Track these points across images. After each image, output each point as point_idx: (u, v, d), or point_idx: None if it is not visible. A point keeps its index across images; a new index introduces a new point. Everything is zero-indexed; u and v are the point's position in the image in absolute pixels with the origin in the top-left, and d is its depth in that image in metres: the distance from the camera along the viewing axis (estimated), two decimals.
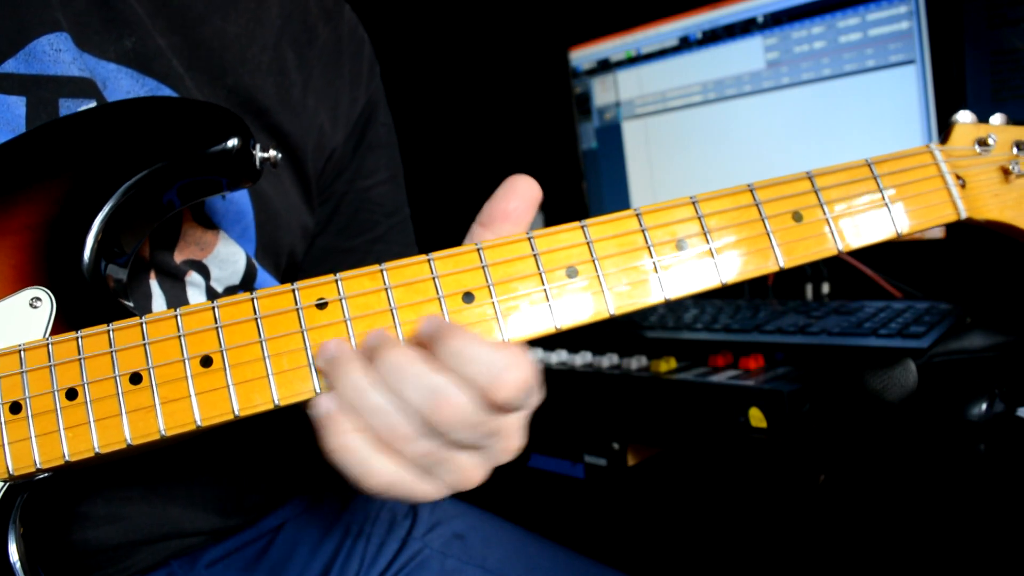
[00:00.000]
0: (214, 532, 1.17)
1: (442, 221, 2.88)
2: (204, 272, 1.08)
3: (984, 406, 1.14)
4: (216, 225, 1.09)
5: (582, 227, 0.78)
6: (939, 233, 1.62)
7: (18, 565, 0.73)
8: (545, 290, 0.76)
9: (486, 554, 1.22)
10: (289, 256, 1.21)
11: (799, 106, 1.85)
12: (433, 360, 0.70)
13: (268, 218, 1.14)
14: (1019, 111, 1.52)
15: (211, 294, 1.09)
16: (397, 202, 1.38)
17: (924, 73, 1.68)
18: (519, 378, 0.68)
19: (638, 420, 1.52)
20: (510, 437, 0.73)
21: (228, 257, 1.10)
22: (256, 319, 0.73)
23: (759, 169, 1.93)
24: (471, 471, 0.73)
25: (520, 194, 0.80)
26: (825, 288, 1.85)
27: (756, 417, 1.32)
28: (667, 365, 1.54)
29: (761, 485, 1.69)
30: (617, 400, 1.55)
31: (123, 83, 1.00)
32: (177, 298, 1.05)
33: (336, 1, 1.29)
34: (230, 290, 1.12)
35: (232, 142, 0.85)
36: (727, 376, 1.43)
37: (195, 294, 1.07)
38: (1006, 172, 0.89)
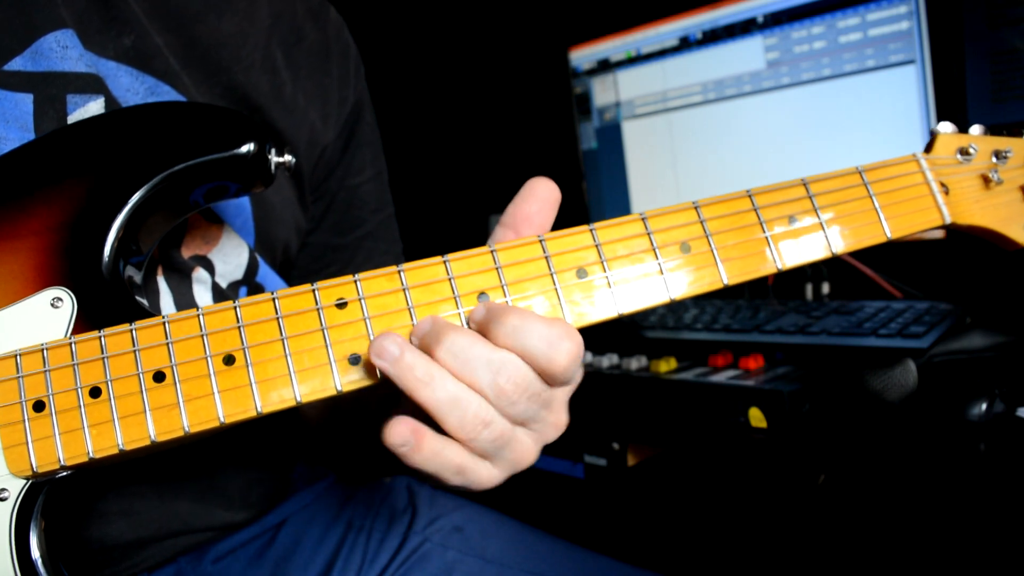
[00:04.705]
0: (221, 528, 1.18)
1: (444, 220, 2.89)
2: (209, 268, 1.09)
3: (984, 406, 1.15)
4: (219, 219, 1.10)
5: (591, 230, 0.80)
6: (939, 233, 1.63)
7: (40, 561, 0.74)
8: (557, 290, 0.79)
9: (485, 545, 1.23)
10: (284, 251, 1.22)
11: (799, 106, 1.86)
12: (491, 340, 0.74)
13: (265, 212, 1.16)
14: (1019, 111, 1.53)
15: (216, 290, 1.10)
16: (382, 200, 1.40)
17: (924, 73, 1.69)
18: (572, 348, 0.73)
19: (638, 420, 1.53)
20: (560, 411, 0.78)
21: (232, 251, 1.12)
22: (277, 318, 0.75)
23: (759, 169, 1.94)
24: (528, 449, 0.78)
25: (539, 197, 0.83)
26: (825, 288, 1.86)
27: (756, 417, 1.32)
28: (667, 365, 1.55)
29: (761, 485, 1.69)
30: (617, 400, 1.55)
31: (123, 80, 1.01)
32: (183, 295, 1.06)
33: (321, 3, 1.31)
34: (234, 286, 1.14)
35: (248, 147, 0.87)
36: (727, 376, 1.44)
37: (201, 291, 1.08)
38: (986, 180, 0.94)
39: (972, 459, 1.15)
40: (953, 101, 1.65)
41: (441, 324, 0.74)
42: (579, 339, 0.74)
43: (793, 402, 1.30)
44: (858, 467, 1.34)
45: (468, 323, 0.76)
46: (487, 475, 0.77)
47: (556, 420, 0.78)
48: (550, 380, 0.74)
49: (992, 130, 0.96)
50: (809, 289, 1.87)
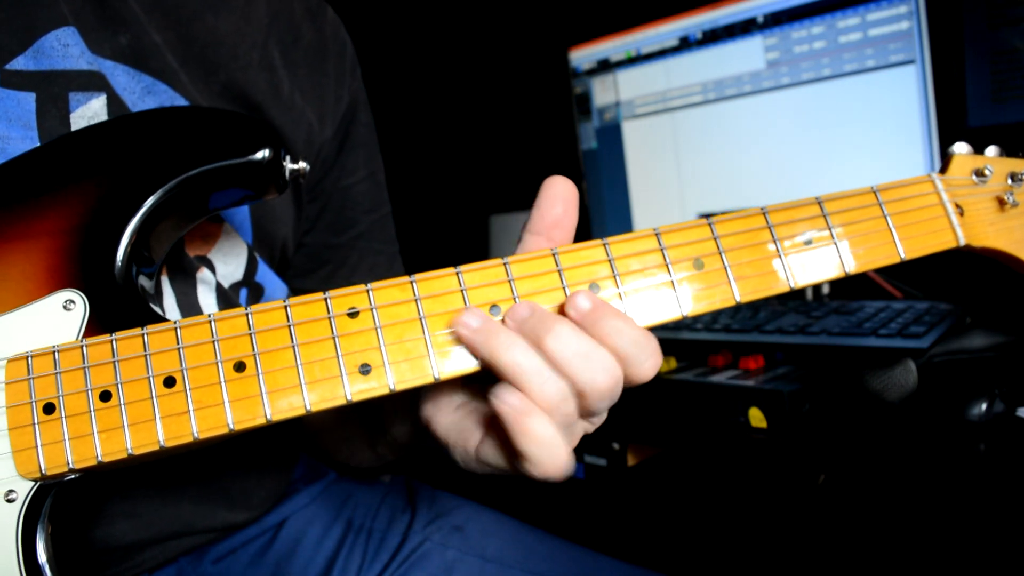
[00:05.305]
0: (223, 528, 1.19)
1: (444, 220, 2.89)
2: (211, 268, 1.09)
3: (984, 406, 1.15)
4: (218, 216, 1.10)
5: (604, 244, 0.80)
6: None
7: (47, 566, 0.74)
8: None
9: (484, 544, 1.24)
10: (282, 249, 1.22)
11: (799, 106, 1.86)
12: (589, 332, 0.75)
13: (263, 211, 1.16)
14: (1019, 111, 1.53)
15: (220, 291, 1.10)
16: (377, 200, 1.40)
17: (924, 73, 1.69)
18: (659, 361, 0.76)
19: (638, 420, 1.53)
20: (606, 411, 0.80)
21: (231, 249, 1.12)
22: (289, 326, 0.75)
23: (759, 169, 1.94)
24: (577, 438, 0.80)
25: (562, 197, 0.83)
26: (825, 288, 1.86)
27: (756, 417, 1.32)
28: (667, 365, 1.55)
29: (761, 485, 1.70)
30: (617, 400, 1.55)
31: (120, 79, 1.01)
32: (187, 296, 1.06)
33: (319, 3, 1.31)
34: (235, 287, 1.14)
35: (263, 153, 0.87)
36: (727, 376, 1.44)
37: (205, 292, 1.08)
38: (1001, 202, 0.93)
39: (972, 459, 1.15)
40: (953, 101, 1.65)
41: (543, 312, 0.76)
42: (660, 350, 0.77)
43: (793, 402, 1.30)
44: (858, 467, 1.34)
45: (566, 307, 0.77)
46: (564, 454, 0.78)
47: (602, 419, 0.80)
48: (628, 384, 0.76)
49: (1004, 143, 0.96)
50: (809, 289, 1.87)
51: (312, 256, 1.33)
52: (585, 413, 0.77)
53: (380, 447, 1.16)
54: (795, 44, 1.84)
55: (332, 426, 1.26)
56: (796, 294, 1.87)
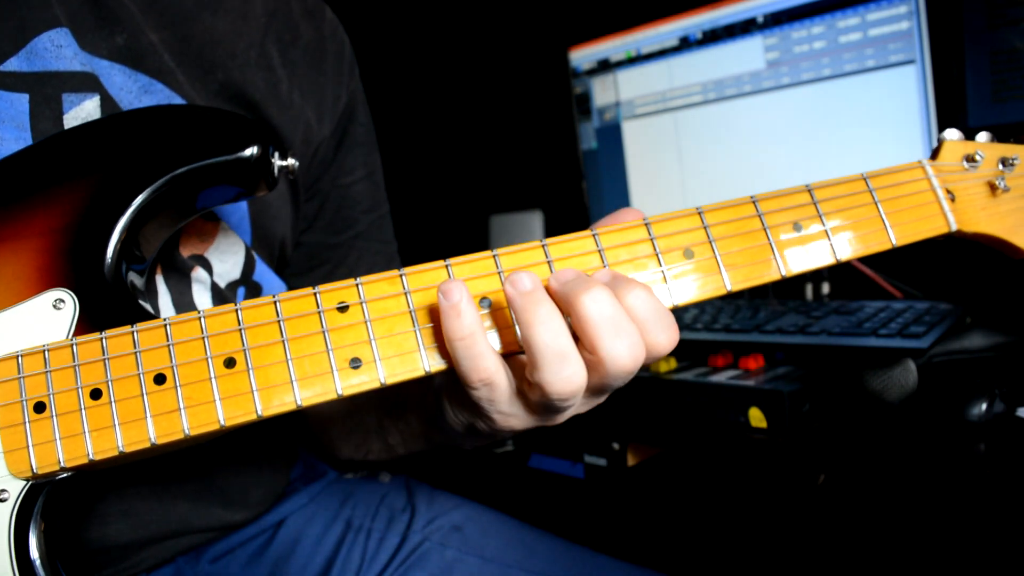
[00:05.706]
0: (220, 528, 1.19)
1: (444, 220, 2.89)
2: (207, 267, 1.09)
3: (984, 406, 1.15)
4: (215, 216, 1.10)
5: (594, 235, 0.80)
6: None
7: (39, 562, 0.74)
8: None
9: (484, 544, 1.23)
10: (281, 248, 1.22)
11: (799, 106, 1.86)
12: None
13: (261, 210, 1.16)
14: (1019, 111, 1.53)
15: (215, 290, 1.10)
16: (375, 200, 1.40)
17: (924, 73, 1.68)
18: (675, 337, 0.75)
19: (638, 420, 1.52)
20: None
21: (228, 248, 1.12)
22: (279, 321, 0.75)
23: (759, 169, 1.94)
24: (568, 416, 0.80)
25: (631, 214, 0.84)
26: (825, 288, 1.85)
27: (756, 417, 1.32)
28: (667, 365, 1.54)
29: (761, 485, 1.69)
30: (617, 400, 1.55)
31: (116, 79, 1.01)
32: (182, 296, 1.06)
33: (317, 3, 1.31)
34: (232, 285, 1.14)
35: (252, 150, 0.87)
36: (727, 376, 1.43)
37: (200, 291, 1.08)
38: (993, 187, 0.93)
39: (972, 459, 1.14)
40: (953, 101, 1.64)
41: (584, 277, 0.75)
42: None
43: (793, 402, 1.30)
44: (858, 467, 1.34)
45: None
46: (516, 422, 0.79)
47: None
48: (647, 361, 0.75)
49: (999, 137, 0.96)
50: (809, 289, 1.87)
51: (311, 255, 1.33)
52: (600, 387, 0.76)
53: (392, 435, 1.16)
54: (795, 44, 1.84)
55: (344, 415, 1.25)
56: (796, 294, 1.87)
